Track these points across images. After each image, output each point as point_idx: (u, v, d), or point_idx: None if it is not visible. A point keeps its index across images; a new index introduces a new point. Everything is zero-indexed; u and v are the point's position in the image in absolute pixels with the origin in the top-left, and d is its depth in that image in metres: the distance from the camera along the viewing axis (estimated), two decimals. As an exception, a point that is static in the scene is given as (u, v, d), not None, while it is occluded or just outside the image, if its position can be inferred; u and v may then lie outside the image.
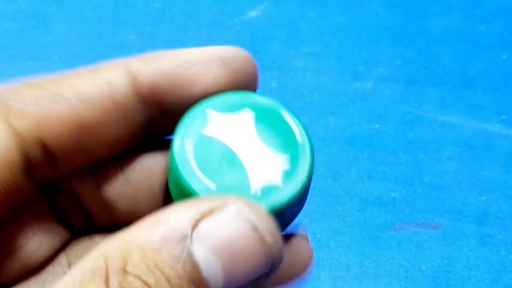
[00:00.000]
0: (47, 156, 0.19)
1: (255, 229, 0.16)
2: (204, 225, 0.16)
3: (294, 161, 0.18)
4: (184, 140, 0.18)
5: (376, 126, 0.47)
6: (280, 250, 0.17)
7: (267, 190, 0.18)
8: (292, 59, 0.52)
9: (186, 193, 0.18)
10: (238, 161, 0.18)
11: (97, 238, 0.22)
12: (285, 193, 0.18)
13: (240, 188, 0.18)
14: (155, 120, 0.20)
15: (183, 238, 0.15)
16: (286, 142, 0.18)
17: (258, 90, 0.21)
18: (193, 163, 0.18)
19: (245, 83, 0.20)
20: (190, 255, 0.15)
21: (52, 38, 0.54)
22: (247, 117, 0.18)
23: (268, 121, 0.18)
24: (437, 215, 0.42)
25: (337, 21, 0.55)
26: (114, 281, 0.15)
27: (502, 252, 0.40)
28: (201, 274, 0.15)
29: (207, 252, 0.16)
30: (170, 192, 0.20)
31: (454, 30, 0.54)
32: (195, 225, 0.16)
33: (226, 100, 0.19)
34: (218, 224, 0.16)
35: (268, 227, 0.16)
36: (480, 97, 0.48)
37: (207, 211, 0.16)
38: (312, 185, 0.19)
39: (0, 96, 0.19)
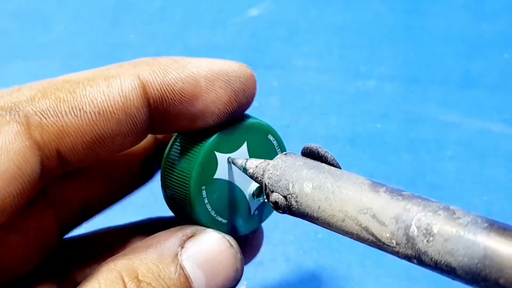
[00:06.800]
0: (61, 162, 0.20)
1: (231, 246, 0.22)
2: (189, 245, 0.21)
3: None
4: (201, 187, 0.22)
5: (378, 125, 0.47)
6: (243, 264, 0.22)
7: (259, 209, 0.25)
8: (293, 58, 0.52)
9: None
10: (240, 192, 0.24)
11: None
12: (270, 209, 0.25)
13: (242, 212, 0.24)
14: (157, 125, 0.22)
15: (175, 256, 0.20)
16: None
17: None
18: (209, 207, 0.23)
19: (243, 102, 0.22)
20: (182, 269, 0.20)
21: (52, 37, 0.54)
22: (245, 153, 0.23)
23: (260, 149, 0.24)
24: (439, 215, 0.41)
25: (338, 20, 0.55)
26: (132, 286, 0.19)
27: (505, 252, 0.40)
28: (192, 285, 0.20)
29: (194, 266, 0.21)
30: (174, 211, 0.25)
31: (456, 29, 0.54)
32: (182, 245, 0.21)
33: (229, 140, 0.23)
34: (200, 244, 0.21)
35: (238, 246, 0.22)
36: (482, 97, 0.48)
37: (191, 234, 0.21)
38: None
39: (17, 104, 0.19)
